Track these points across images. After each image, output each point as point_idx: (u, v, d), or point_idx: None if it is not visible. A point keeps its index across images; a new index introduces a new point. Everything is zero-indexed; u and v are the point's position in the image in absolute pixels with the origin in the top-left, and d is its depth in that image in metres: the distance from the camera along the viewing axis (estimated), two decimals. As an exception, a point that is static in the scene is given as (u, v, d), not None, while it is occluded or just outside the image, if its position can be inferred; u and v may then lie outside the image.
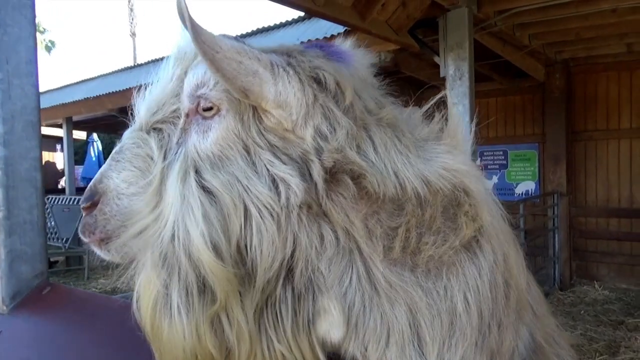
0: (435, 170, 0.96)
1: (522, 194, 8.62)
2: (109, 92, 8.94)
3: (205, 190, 0.92)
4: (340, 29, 5.44)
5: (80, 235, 1.10)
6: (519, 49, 6.69)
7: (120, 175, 1.06)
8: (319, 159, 0.92)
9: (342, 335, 0.92)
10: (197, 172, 0.95)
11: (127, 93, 8.39)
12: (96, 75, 12.50)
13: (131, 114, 1.16)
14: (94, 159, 13.37)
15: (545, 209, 8.08)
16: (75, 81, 13.32)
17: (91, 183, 1.10)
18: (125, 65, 12.74)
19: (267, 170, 0.92)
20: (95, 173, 1.13)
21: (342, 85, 0.96)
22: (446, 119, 1.10)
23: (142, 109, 1.10)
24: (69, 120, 11.71)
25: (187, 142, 1.00)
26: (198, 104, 0.99)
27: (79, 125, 13.60)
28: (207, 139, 0.97)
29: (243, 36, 8.98)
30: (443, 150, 1.01)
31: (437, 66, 5.27)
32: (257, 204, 0.90)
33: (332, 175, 0.92)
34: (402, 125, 1.02)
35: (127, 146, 1.08)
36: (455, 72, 4.99)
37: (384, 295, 0.92)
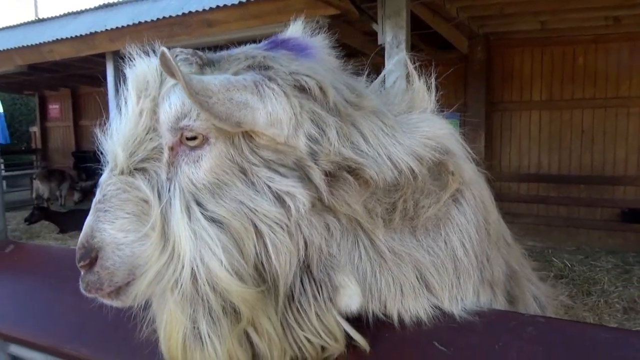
0: (420, 141, 1.03)
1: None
2: (19, 47, 8.06)
3: (213, 221, 0.93)
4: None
5: (85, 293, 1.03)
6: (447, 20, 6.98)
7: (114, 225, 0.99)
8: (316, 164, 0.94)
9: (360, 302, 0.99)
10: (199, 204, 0.94)
11: (41, 48, 7.73)
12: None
13: (100, 154, 1.09)
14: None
15: (465, 175, 8.63)
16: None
17: (82, 239, 1.02)
18: (30, 18, 11.54)
19: (268, 186, 0.94)
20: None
21: (324, 87, 0.97)
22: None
23: (118, 150, 1.02)
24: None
25: (178, 176, 0.97)
26: (181, 135, 0.97)
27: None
28: (199, 169, 0.96)
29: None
30: (420, 118, 1.09)
31: (369, 34, 5.35)
32: (267, 221, 0.93)
33: (332, 175, 0.96)
34: (382, 107, 1.06)
35: (112, 193, 1.01)
36: (393, 40, 5.13)
37: (389, 260, 1.02)
